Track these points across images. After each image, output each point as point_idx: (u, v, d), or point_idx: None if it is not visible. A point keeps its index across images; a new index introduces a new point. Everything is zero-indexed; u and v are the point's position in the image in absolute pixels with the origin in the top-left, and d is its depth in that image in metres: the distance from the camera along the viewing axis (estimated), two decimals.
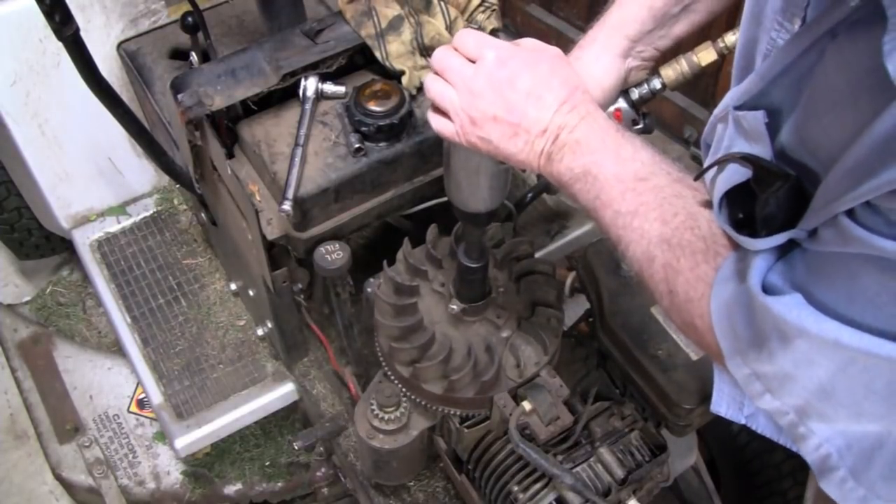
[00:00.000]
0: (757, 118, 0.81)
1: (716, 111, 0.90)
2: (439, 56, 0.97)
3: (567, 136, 0.92)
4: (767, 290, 0.74)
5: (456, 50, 0.96)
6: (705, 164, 0.86)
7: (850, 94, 0.68)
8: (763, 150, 0.81)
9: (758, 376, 0.77)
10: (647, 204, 0.87)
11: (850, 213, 0.66)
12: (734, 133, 0.85)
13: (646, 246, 0.86)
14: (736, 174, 0.81)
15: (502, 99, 0.92)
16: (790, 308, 0.71)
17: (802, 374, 0.73)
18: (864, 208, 0.64)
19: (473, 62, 0.94)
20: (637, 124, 1.13)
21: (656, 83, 1.15)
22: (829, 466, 0.75)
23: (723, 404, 0.95)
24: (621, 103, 1.14)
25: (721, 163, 0.81)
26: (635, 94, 1.16)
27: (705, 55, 1.13)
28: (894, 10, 0.58)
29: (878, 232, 0.63)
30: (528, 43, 0.97)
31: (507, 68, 0.93)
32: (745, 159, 0.78)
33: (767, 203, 0.76)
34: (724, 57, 1.10)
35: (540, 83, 0.93)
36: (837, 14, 0.70)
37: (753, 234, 0.77)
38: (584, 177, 0.91)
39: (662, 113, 2.92)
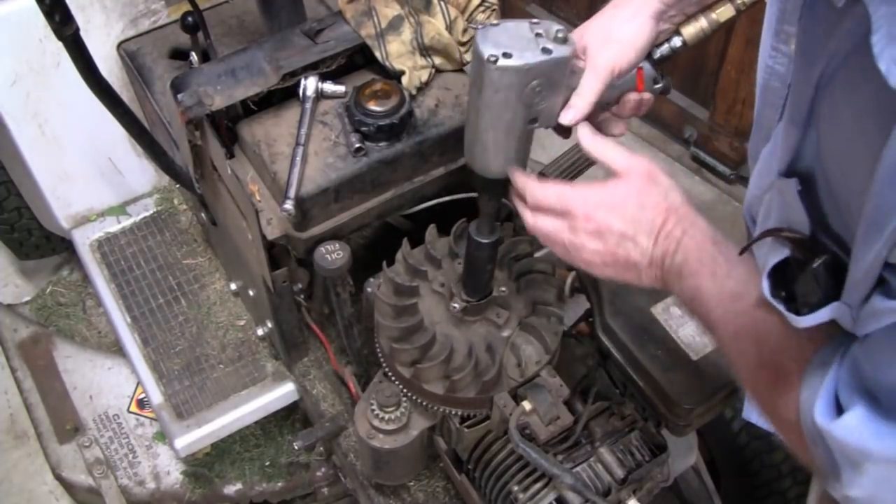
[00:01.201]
0: (790, 186, 0.79)
1: (758, 182, 0.88)
2: (531, 223, 1.03)
3: (670, 263, 0.93)
4: (839, 407, 0.73)
5: (542, 207, 1.01)
6: (752, 239, 0.85)
7: (859, 126, 0.65)
8: (800, 221, 0.79)
9: (848, 500, 0.75)
10: (744, 327, 0.86)
11: (881, 284, 0.64)
12: (778, 203, 0.85)
13: (746, 369, 0.87)
14: (777, 250, 0.80)
15: (604, 246, 0.96)
16: (850, 430, 0.70)
17: (884, 494, 0.71)
18: (885, 272, 0.63)
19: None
20: (657, 83, 1.12)
21: (677, 41, 1.15)
22: None
23: (753, 414, 0.95)
24: (644, 63, 1.14)
25: (760, 239, 0.81)
26: (657, 53, 1.16)
27: (724, 12, 1.14)
28: (876, 8, 0.57)
29: None
30: (617, 171, 0.98)
31: (596, 220, 0.96)
32: (782, 235, 0.77)
33: (806, 281, 0.75)
34: (741, 13, 1.11)
35: (631, 224, 0.95)
36: (829, 32, 0.68)
37: (797, 311, 0.76)
38: (691, 301, 0.92)
39: (662, 113, 2.92)
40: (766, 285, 0.80)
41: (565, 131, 1.10)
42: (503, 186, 1.12)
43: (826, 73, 0.73)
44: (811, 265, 0.75)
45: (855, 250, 0.68)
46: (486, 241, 1.20)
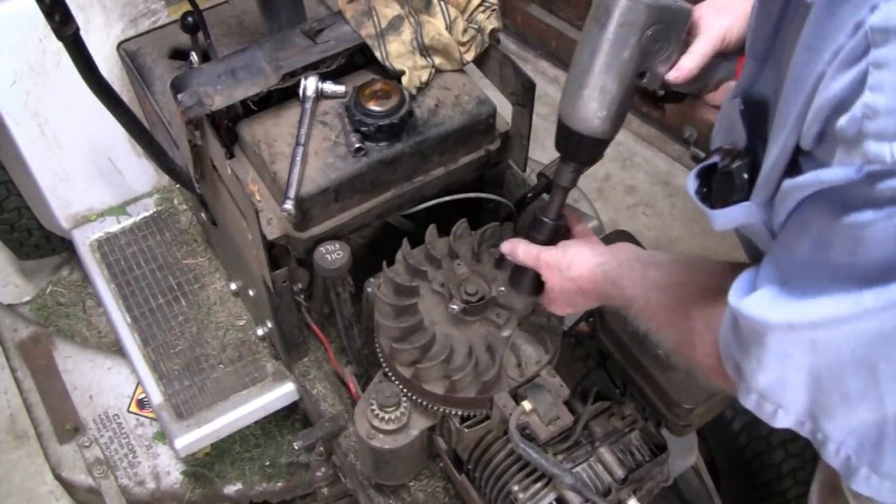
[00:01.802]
0: (734, 105, 0.85)
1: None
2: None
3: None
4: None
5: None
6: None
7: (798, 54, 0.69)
8: (739, 137, 0.84)
9: (762, 395, 0.77)
10: (672, 287, 0.98)
11: (789, 174, 0.69)
12: (724, 124, 0.89)
13: (670, 322, 0.96)
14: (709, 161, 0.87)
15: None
16: (755, 303, 0.73)
17: (789, 372, 0.73)
18: (801, 159, 0.68)
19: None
20: None
21: None
22: (851, 468, 0.75)
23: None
24: None
25: (704, 161, 0.87)
26: None
27: None
28: None
29: (812, 169, 0.66)
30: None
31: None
32: (720, 149, 0.83)
33: (723, 179, 0.82)
34: None
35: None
36: None
37: (712, 206, 0.83)
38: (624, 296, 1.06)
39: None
40: (691, 183, 0.87)
41: (663, 100, 1.14)
42: (593, 152, 1.10)
43: (783, 10, 0.77)
44: (730, 161, 0.81)
45: (767, 148, 0.73)
46: (552, 221, 1.17)
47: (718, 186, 0.84)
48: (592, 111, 1.04)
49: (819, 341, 0.69)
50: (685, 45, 1.05)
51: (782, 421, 0.78)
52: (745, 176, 0.81)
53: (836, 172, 0.62)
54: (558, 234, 1.19)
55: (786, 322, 0.70)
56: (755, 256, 0.98)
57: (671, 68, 1.05)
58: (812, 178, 0.65)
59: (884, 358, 0.66)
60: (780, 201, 0.72)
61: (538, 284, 1.19)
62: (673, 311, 0.95)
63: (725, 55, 1.07)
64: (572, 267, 1.12)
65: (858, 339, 0.67)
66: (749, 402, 0.80)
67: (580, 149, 1.09)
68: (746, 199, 0.79)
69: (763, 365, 0.75)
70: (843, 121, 0.61)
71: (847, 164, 0.61)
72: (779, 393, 0.76)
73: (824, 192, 0.65)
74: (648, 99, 1.14)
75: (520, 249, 1.19)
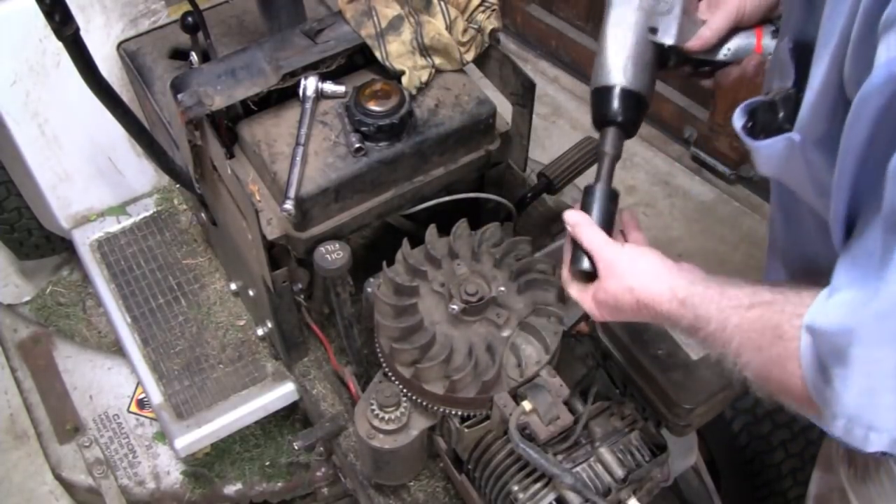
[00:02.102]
0: (783, 47, 0.86)
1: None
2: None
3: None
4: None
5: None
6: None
7: None
8: (787, 75, 0.85)
9: (850, 419, 0.75)
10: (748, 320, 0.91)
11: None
12: (776, 66, 0.91)
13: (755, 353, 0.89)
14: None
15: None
16: (833, 309, 0.72)
17: (879, 381, 0.71)
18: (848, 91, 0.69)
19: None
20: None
21: None
22: None
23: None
24: (765, 26, 1.17)
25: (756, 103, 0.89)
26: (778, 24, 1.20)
27: None
28: None
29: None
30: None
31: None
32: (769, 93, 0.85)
33: (767, 109, 0.85)
34: None
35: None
36: None
37: (755, 137, 0.85)
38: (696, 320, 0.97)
39: (662, 113, 2.92)
40: (738, 119, 0.88)
41: (695, 75, 1.17)
42: (624, 108, 1.11)
43: None
44: (775, 97, 0.84)
45: (811, 74, 0.74)
46: (605, 193, 1.12)
47: (763, 118, 0.86)
48: (611, 62, 1.10)
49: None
50: (692, 4, 1.11)
51: (875, 444, 0.75)
52: (790, 106, 0.82)
53: None
54: (614, 209, 1.14)
55: (871, 314, 0.67)
56: (789, 228, 0.98)
57: (681, 27, 1.09)
58: (885, 74, 0.63)
59: None
60: (855, 119, 0.69)
61: (590, 273, 1.10)
62: (759, 331, 0.87)
63: (741, 28, 1.11)
64: (640, 278, 1.02)
65: None
66: (837, 430, 0.77)
67: (610, 105, 1.11)
68: (790, 129, 0.79)
69: (848, 382, 0.72)
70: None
71: None
72: (869, 412, 0.73)
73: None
74: (682, 71, 1.17)
75: (584, 231, 1.08)
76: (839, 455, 1.18)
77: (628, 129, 1.13)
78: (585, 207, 1.12)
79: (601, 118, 1.13)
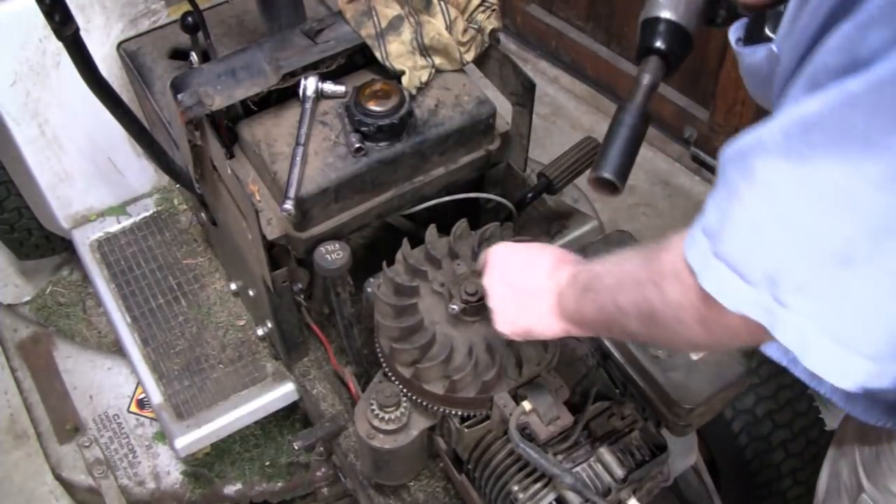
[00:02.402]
0: None
1: None
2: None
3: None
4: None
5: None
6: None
7: None
8: None
9: (728, 262, 0.74)
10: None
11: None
12: None
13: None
14: None
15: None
16: (745, 136, 0.73)
17: (763, 214, 0.71)
18: None
19: None
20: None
21: None
22: (807, 340, 0.71)
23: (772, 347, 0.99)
24: None
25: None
26: None
27: None
28: None
29: None
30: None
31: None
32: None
33: (754, 21, 0.91)
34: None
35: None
36: None
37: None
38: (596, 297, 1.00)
39: (662, 113, 2.92)
40: (733, 33, 0.95)
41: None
42: (667, 36, 1.09)
43: None
44: (763, 10, 0.90)
45: None
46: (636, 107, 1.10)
47: (750, 29, 0.92)
48: None
49: (809, 145, 0.67)
50: None
51: (739, 297, 0.74)
52: (777, 19, 0.84)
53: None
54: (644, 129, 1.12)
55: (778, 129, 0.69)
56: None
57: None
58: None
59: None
60: (812, 14, 0.72)
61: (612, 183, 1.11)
62: (636, 265, 0.89)
63: None
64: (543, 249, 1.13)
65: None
66: (710, 280, 0.75)
67: (655, 34, 1.10)
68: (770, 41, 0.83)
69: (743, 207, 0.72)
70: None
71: None
72: (747, 252, 0.73)
73: None
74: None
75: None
76: (852, 432, 1.19)
77: (669, 62, 1.12)
78: (615, 125, 1.11)
79: (645, 48, 1.12)
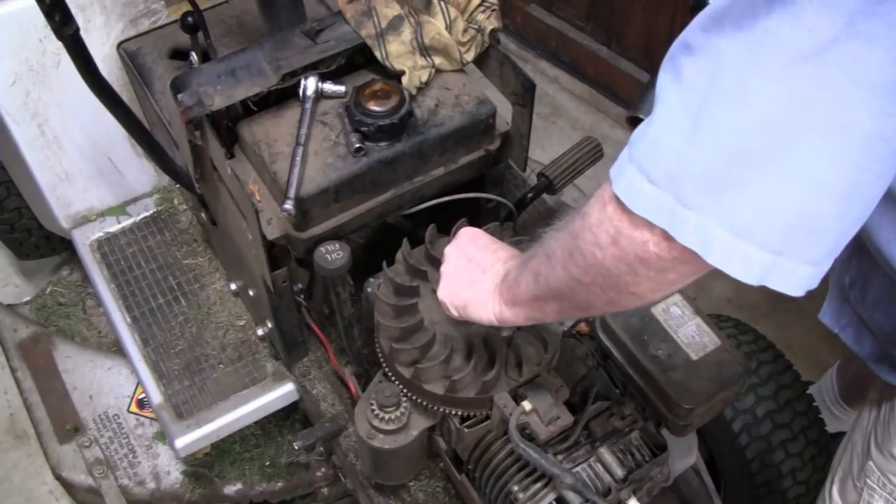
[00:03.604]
0: None
1: None
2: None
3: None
4: None
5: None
6: None
7: None
8: None
9: (637, 162, 0.75)
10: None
11: None
12: None
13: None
14: None
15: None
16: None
17: (674, 108, 0.72)
18: None
19: None
20: None
21: None
22: (709, 238, 0.72)
23: (827, 315, 1.12)
24: None
25: None
26: None
27: None
28: None
29: None
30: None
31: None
32: None
33: None
34: None
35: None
36: None
37: None
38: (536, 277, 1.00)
39: None
40: None
41: None
42: None
43: None
44: None
45: None
46: None
47: None
48: None
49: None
50: None
51: (642, 197, 0.74)
52: None
53: None
54: None
55: (697, 24, 0.70)
56: None
57: None
58: None
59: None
60: None
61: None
62: (568, 222, 0.90)
63: None
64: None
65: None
66: (621, 183, 0.76)
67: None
68: None
69: (663, 109, 0.73)
70: None
71: None
72: (654, 151, 0.74)
73: None
74: None
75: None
76: (872, 401, 1.22)
77: None
78: (647, 91, 1.14)
79: (701, 1, 1.13)
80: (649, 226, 0.75)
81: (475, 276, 1.14)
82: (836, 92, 0.65)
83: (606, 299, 0.88)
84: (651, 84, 1.10)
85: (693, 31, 0.72)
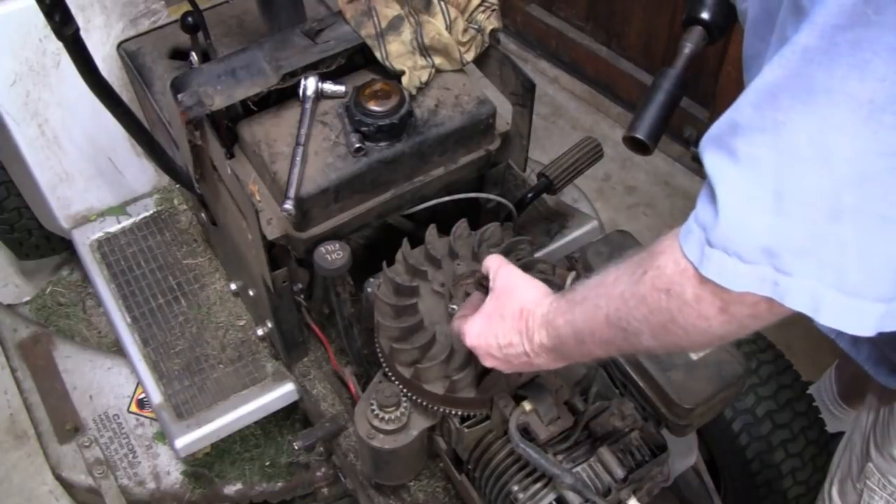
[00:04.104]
0: None
1: None
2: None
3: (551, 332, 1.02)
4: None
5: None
6: None
7: None
8: None
9: (723, 247, 0.75)
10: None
11: None
12: None
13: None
14: None
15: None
16: (715, 128, 0.75)
17: (753, 191, 0.72)
18: None
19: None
20: None
21: None
22: (818, 299, 0.72)
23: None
24: None
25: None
26: None
27: None
28: None
29: None
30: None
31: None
32: None
33: None
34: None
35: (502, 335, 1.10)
36: None
37: None
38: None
39: None
40: None
41: None
42: (722, 17, 1.14)
43: None
44: None
45: None
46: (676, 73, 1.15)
47: None
48: None
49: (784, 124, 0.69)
50: None
51: (741, 278, 0.74)
52: None
53: None
54: (680, 96, 1.17)
55: (747, 104, 0.71)
56: None
57: None
58: None
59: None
60: None
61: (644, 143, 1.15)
62: (617, 275, 0.89)
63: None
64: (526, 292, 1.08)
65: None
66: (710, 268, 0.76)
67: (702, 4, 1.14)
68: None
69: (730, 190, 0.73)
70: None
71: None
72: (739, 232, 0.74)
73: None
74: None
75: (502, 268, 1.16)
76: (871, 401, 1.22)
77: (712, 33, 1.15)
78: (653, 89, 1.14)
79: (691, 18, 1.15)
80: (761, 300, 0.75)
81: (509, 320, 1.09)
82: None
83: (697, 346, 0.90)
84: (646, 105, 1.10)
85: (742, 110, 0.72)
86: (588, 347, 0.96)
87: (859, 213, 0.69)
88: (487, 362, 1.12)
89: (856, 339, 1.32)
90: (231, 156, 1.49)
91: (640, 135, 1.10)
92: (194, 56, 1.57)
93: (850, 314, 0.72)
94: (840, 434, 1.46)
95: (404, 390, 1.35)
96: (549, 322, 1.01)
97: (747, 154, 0.72)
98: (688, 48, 1.15)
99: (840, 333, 1.25)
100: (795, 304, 0.73)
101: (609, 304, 0.90)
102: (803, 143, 0.69)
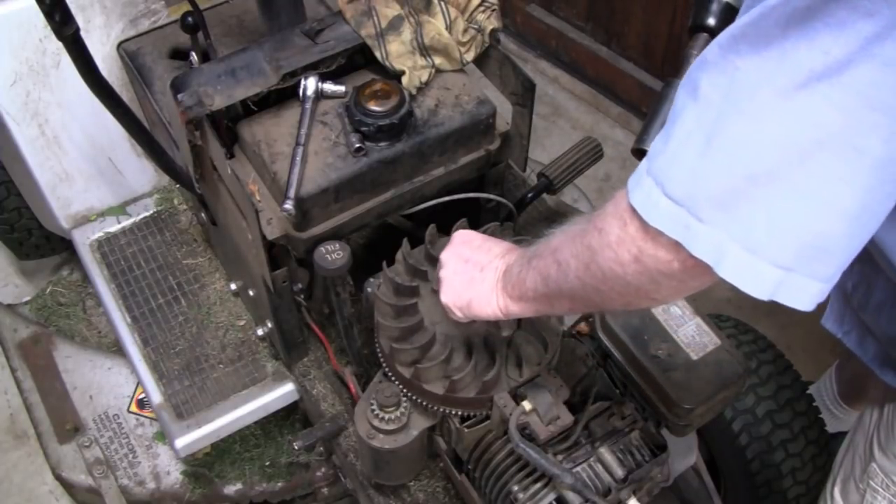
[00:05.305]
0: None
1: None
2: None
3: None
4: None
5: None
6: None
7: None
8: None
9: (654, 177, 0.76)
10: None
11: None
12: None
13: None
14: None
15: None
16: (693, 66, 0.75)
17: (688, 134, 0.73)
18: None
19: None
20: None
21: None
22: (723, 251, 0.73)
23: (829, 320, 1.14)
24: None
25: None
26: None
27: None
28: None
29: None
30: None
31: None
32: None
33: None
34: None
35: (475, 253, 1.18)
36: None
37: None
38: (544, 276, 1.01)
39: None
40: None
41: None
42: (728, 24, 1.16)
43: None
44: None
45: None
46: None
47: None
48: None
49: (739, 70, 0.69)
50: None
51: (659, 213, 0.75)
52: None
53: None
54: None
55: (716, 44, 0.72)
56: None
57: None
58: None
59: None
60: None
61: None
62: (578, 224, 0.92)
63: None
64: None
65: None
66: (637, 196, 0.77)
67: (708, 11, 1.14)
68: None
69: (681, 123, 0.74)
70: None
71: None
72: (671, 165, 0.75)
73: None
74: None
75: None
76: (874, 402, 1.22)
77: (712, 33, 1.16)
78: (660, 99, 1.15)
79: (697, 25, 1.16)
80: (671, 244, 0.76)
81: (474, 274, 1.14)
82: (849, 113, 0.66)
83: (623, 302, 0.90)
84: (653, 115, 1.11)
85: (712, 49, 0.73)
86: (542, 292, 1.00)
87: (777, 179, 0.69)
88: (457, 315, 1.18)
89: (862, 339, 1.32)
90: (231, 156, 1.49)
91: (647, 147, 1.11)
92: (194, 56, 1.57)
93: (748, 272, 0.72)
94: (840, 434, 1.46)
95: (404, 390, 1.35)
96: (515, 268, 1.06)
97: (704, 92, 0.73)
98: (694, 56, 1.15)
99: (846, 333, 1.25)
100: (700, 251, 0.74)
101: (559, 242, 0.95)
102: (744, 93, 0.70)
